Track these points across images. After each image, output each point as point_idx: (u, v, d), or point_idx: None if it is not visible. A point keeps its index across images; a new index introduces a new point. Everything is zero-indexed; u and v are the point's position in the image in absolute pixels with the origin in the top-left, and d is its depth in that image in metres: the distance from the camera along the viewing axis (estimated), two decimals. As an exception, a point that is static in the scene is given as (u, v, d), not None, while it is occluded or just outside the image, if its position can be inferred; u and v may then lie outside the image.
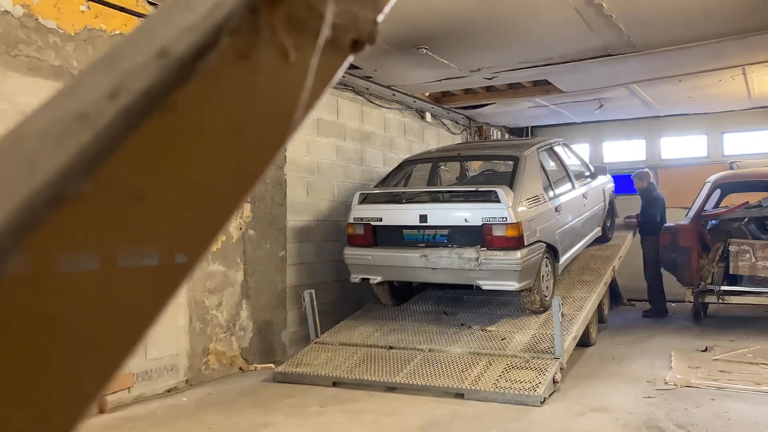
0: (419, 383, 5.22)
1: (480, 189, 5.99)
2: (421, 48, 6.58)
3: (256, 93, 0.41)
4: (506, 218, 5.58)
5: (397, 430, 4.41)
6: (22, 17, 4.36)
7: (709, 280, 7.73)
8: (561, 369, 5.28)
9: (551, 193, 6.53)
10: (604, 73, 7.77)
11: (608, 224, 8.65)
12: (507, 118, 11.39)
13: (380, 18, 0.47)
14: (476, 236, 5.74)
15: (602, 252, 8.08)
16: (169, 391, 5.39)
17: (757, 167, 8.49)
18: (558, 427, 4.40)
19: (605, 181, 8.63)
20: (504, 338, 5.81)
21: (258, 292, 6.38)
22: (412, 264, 5.99)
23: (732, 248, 7.67)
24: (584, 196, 7.48)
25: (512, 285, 5.71)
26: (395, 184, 6.87)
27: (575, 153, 8.30)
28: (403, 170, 7.09)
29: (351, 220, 6.31)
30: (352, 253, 6.33)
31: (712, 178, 8.40)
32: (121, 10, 4.97)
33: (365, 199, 6.37)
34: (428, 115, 9.65)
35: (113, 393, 4.76)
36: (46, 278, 0.33)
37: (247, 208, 6.30)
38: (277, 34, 0.41)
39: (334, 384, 5.47)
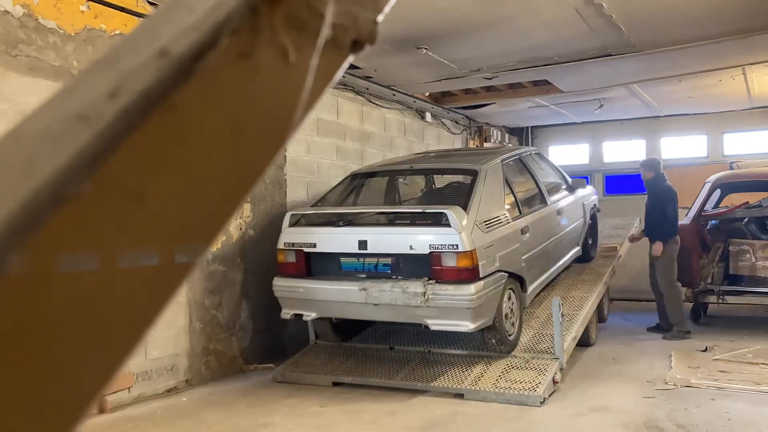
0: (419, 383, 5.22)
1: (427, 210, 5.13)
2: (421, 48, 6.58)
3: (256, 93, 0.41)
4: (457, 245, 4.76)
5: (397, 430, 4.41)
6: (22, 17, 4.36)
7: (709, 280, 7.73)
8: (561, 369, 5.28)
9: (517, 212, 5.71)
10: (604, 73, 7.77)
11: (590, 242, 7.85)
12: (507, 118, 11.40)
13: (380, 18, 0.47)
14: (425, 266, 4.94)
15: (602, 251, 8.08)
16: (169, 391, 5.39)
17: (757, 167, 8.49)
18: (558, 427, 4.41)
19: (586, 194, 7.83)
20: None
21: (258, 292, 6.38)
22: (350, 299, 5.12)
23: (732, 248, 7.68)
24: (559, 212, 6.66)
25: (465, 325, 4.88)
26: (340, 203, 5.91)
27: (550, 164, 7.59)
28: (350, 186, 6.14)
29: (281, 246, 5.44)
30: (282, 285, 5.45)
31: (712, 178, 8.40)
32: (121, 10, 4.97)
33: (297, 222, 5.48)
34: (428, 115, 9.65)
35: (113, 393, 4.76)
36: (46, 278, 0.33)
37: (247, 208, 6.30)
38: (277, 34, 0.41)
39: (334, 384, 5.47)
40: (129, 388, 5.02)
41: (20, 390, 0.33)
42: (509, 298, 5.40)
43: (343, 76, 5.76)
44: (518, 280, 5.58)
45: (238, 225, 6.18)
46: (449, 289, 4.81)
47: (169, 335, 5.41)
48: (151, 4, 5.24)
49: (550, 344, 5.48)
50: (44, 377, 0.34)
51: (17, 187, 0.33)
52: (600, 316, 7.51)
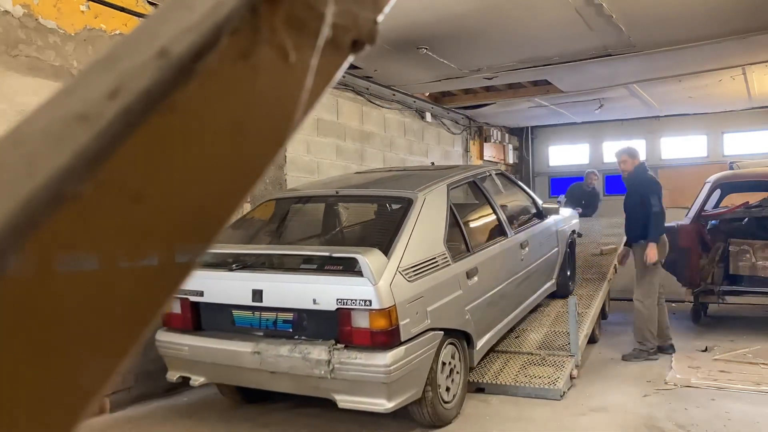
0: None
1: (335, 254, 3.99)
2: (421, 48, 6.59)
3: (256, 93, 0.41)
4: (370, 301, 3.71)
5: (396, 428, 4.41)
6: (22, 17, 4.36)
7: (709, 280, 7.73)
8: (576, 366, 5.40)
9: (463, 249, 4.69)
10: (604, 73, 7.78)
11: (567, 273, 6.95)
12: (507, 118, 11.41)
13: (380, 18, 0.47)
14: (333, 325, 3.91)
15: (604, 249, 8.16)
16: (169, 391, 5.38)
17: (757, 167, 8.49)
18: (558, 427, 4.40)
19: (561, 219, 6.87)
20: (518, 336, 5.89)
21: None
22: (241, 363, 4.11)
23: (732, 248, 7.67)
24: (523, 245, 5.62)
25: (380, 404, 3.84)
26: (245, 238, 4.81)
27: (518, 186, 6.56)
28: (265, 214, 5.15)
29: None
30: (164, 341, 4.45)
31: (712, 178, 8.40)
32: (121, 10, 4.97)
33: None
34: (428, 115, 9.66)
35: (113, 393, 4.76)
36: (46, 278, 0.33)
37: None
38: (277, 34, 0.41)
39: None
40: (129, 388, 5.02)
41: (20, 390, 0.33)
42: (452, 357, 4.44)
43: (343, 76, 5.76)
44: (462, 335, 4.61)
45: (238, 225, 6.18)
46: (359, 358, 3.79)
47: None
48: (151, 4, 5.24)
49: (564, 341, 5.63)
50: (44, 377, 0.34)
51: (17, 187, 0.33)
52: (602, 313, 7.61)
